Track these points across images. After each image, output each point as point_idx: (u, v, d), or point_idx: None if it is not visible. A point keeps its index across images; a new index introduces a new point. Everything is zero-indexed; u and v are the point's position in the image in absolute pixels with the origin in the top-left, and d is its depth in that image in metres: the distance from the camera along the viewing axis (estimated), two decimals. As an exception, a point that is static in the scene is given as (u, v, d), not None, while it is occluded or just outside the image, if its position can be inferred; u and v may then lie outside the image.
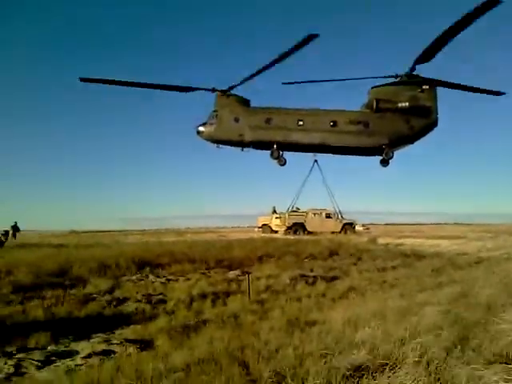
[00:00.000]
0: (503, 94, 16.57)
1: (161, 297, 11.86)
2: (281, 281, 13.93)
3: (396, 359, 4.80)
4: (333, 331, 6.61)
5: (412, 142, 19.05)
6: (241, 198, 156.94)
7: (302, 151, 19.36)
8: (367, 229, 58.86)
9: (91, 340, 8.10)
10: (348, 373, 4.52)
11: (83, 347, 7.67)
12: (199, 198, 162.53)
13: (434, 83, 17.95)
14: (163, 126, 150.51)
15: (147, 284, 13.60)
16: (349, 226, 41.53)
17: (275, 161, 18.56)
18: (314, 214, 40.96)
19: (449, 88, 17.66)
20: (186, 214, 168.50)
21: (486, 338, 5.29)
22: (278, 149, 18.37)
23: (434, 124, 18.65)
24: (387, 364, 4.65)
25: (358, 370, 4.64)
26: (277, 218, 42.02)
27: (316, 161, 20.75)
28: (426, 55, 16.57)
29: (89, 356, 7.16)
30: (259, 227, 45.74)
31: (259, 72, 18.14)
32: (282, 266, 16.51)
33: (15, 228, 36.40)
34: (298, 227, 40.11)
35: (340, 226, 41.03)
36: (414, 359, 4.62)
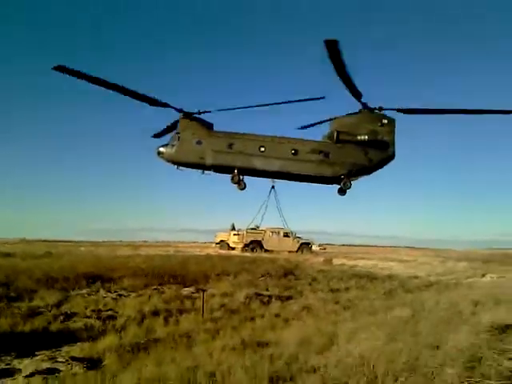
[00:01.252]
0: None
1: (111, 313, 11.49)
2: (236, 299, 13.83)
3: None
4: (285, 354, 6.63)
5: (369, 173, 19.73)
6: (199, 213, 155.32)
7: (263, 177, 19.54)
8: (324, 249, 59.65)
9: (35, 357, 7.71)
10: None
11: (26, 365, 7.29)
12: (159, 211, 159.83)
13: (394, 119, 18.68)
14: (125, 137, 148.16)
15: (98, 299, 13.15)
16: (306, 246, 42.00)
17: (235, 185, 18.63)
18: (272, 233, 41.15)
19: (416, 114, 18.34)
20: (144, 227, 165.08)
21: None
22: (239, 174, 18.47)
23: (392, 157, 19.38)
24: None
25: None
26: (235, 234, 41.91)
27: (273, 187, 20.97)
28: (352, 91, 17.26)
29: (31, 375, 6.82)
30: (217, 243, 45.44)
31: (241, 108, 18.48)
32: (237, 284, 16.42)
33: None
34: (255, 245, 40.14)
35: (297, 245, 41.42)
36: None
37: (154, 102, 18.03)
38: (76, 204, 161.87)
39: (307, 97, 18.35)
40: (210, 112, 18.88)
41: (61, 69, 15.15)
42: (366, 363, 5.56)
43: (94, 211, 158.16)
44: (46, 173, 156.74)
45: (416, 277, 24.05)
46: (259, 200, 24.51)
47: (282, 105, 18.67)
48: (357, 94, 16.94)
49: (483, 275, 25.31)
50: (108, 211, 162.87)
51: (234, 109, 19.05)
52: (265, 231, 40.87)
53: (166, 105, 18.22)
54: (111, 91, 16.99)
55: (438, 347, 6.34)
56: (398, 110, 18.02)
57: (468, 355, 5.80)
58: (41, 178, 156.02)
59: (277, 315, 11.90)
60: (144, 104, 17.74)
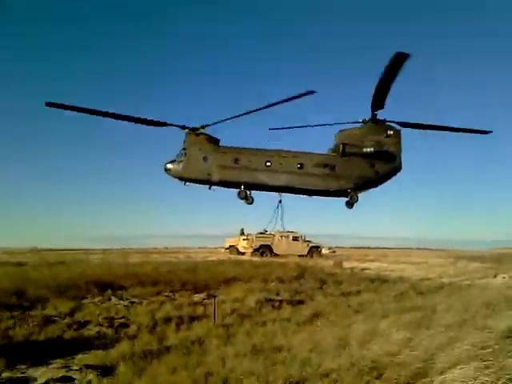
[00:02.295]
0: (490, 132, 17.17)
1: (123, 320, 11.57)
2: (247, 304, 13.86)
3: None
4: (297, 358, 6.64)
5: (376, 186, 19.61)
6: (210, 218, 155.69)
7: (270, 191, 19.53)
8: (333, 252, 59.51)
9: (50, 366, 7.80)
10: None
11: (41, 373, 7.38)
12: (170, 218, 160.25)
13: (399, 129, 18.62)
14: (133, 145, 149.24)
15: (110, 307, 13.24)
16: (315, 250, 41.91)
17: (242, 201, 18.60)
18: (282, 237, 41.07)
19: (422, 129, 18.15)
20: (154, 233, 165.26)
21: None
22: (246, 189, 18.48)
23: (398, 169, 19.21)
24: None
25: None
26: (244, 239, 41.91)
27: (280, 201, 20.94)
28: (377, 102, 17.22)
29: (46, 383, 6.89)
30: (226, 248, 45.48)
31: (238, 116, 18.44)
32: (248, 289, 16.44)
33: None
34: (265, 249, 40.11)
35: (307, 249, 41.33)
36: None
37: (155, 123, 18.18)
38: (84, 212, 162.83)
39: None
40: (209, 126, 18.95)
41: (52, 105, 15.56)
42: (377, 367, 5.56)
43: (102, 219, 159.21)
44: (52, 180, 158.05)
45: (428, 278, 23.89)
46: (267, 204, 24.50)
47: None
48: (378, 106, 16.93)
49: (495, 276, 25.06)
50: (116, 218, 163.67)
51: (228, 119, 19.14)
52: (274, 235, 40.80)
53: (165, 124, 18.33)
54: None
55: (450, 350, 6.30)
56: (400, 124, 17.88)
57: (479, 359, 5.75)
58: (48, 186, 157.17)
59: (288, 320, 11.89)
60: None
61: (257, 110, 18.88)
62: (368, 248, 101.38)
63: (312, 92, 17.66)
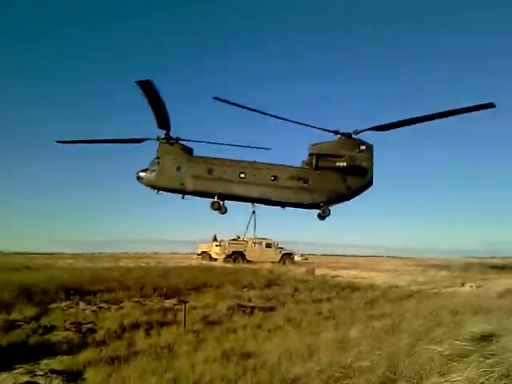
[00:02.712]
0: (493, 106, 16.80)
1: (91, 326, 11.32)
2: (218, 311, 13.79)
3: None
4: (267, 365, 6.65)
5: (348, 200, 19.78)
6: (182, 224, 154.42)
7: (243, 202, 19.44)
8: (306, 259, 59.90)
9: (13, 371, 7.56)
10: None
11: (4, 379, 7.15)
12: (141, 223, 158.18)
13: (372, 145, 18.86)
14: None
15: (77, 312, 12.96)
16: (288, 256, 42.07)
17: (216, 211, 18.45)
18: (254, 244, 41.09)
19: (392, 128, 18.31)
20: (122, 238, 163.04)
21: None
22: (219, 199, 18.32)
23: (370, 183, 19.48)
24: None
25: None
26: (217, 245, 41.77)
27: (254, 212, 20.87)
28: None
29: (9, 389, 6.69)
30: (198, 254, 45.19)
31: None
32: (219, 296, 16.37)
33: None
34: (237, 256, 40.04)
35: (279, 255, 41.46)
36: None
37: (132, 141, 18.15)
38: (51, 215, 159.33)
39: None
40: (188, 140, 18.89)
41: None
42: (346, 374, 5.63)
43: (71, 222, 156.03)
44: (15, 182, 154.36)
45: (397, 286, 24.28)
46: (241, 211, 24.50)
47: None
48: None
49: (462, 284, 25.66)
50: (85, 223, 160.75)
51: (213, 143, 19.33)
52: (247, 242, 40.79)
53: (143, 139, 18.31)
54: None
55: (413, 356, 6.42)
56: (373, 129, 18.02)
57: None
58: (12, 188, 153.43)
59: (259, 326, 11.89)
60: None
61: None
62: (340, 256, 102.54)
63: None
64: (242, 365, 6.98)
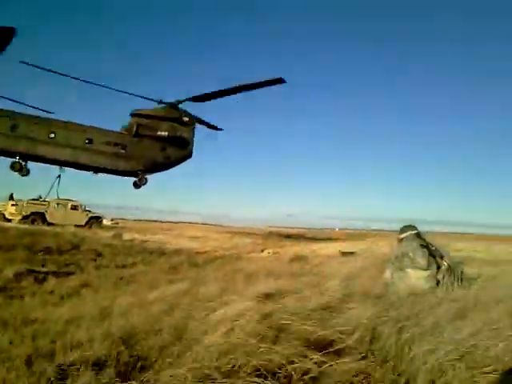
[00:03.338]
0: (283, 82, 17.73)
1: None
2: (3, 276, 12.41)
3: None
4: (50, 331, 6.24)
5: (166, 170, 19.64)
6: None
7: (51, 164, 17.54)
8: (116, 223, 58.26)
9: None
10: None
11: None
12: None
13: (196, 120, 18.95)
14: None
15: None
16: (95, 220, 40.11)
17: (16, 173, 16.31)
18: (58, 205, 37.92)
19: (211, 99, 18.56)
20: None
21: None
22: (22, 160, 16.19)
23: (189, 155, 19.66)
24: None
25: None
26: (13, 205, 37.34)
27: (59, 176, 18.94)
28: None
29: None
30: (-9, 214, 39.81)
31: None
32: (8, 260, 14.72)
33: None
34: (36, 217, 36.49)
35: (86, 219, 39.23)
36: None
37: None
38: None
39: None
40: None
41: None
42: (132, 336, 5.64)
43: None
44: None
45: (203, 252, 25.44)
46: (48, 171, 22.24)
47: None
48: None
49: (262, 251, 28.25)
50: None
51: None
52: (49, 203, 37.37)
53: None
54: None
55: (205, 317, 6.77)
56: (194, 99, 18.14)
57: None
58: None
59: (51, 292, 11.11)
60: None
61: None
62: (155, 221, 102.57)
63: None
64: (21, 333, 6.41)
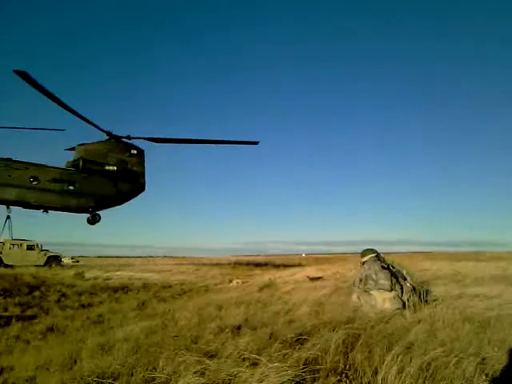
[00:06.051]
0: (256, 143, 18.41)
1: None
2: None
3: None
4: (21, 379, 6.12)
5: (119, 204, 19.24)
6: None
7: None
8: (77, 261, 56.57)
9: None
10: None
11: None
12: None
13: (143, 149, 18.87)
14: None
15: None
16: (54, 259, 38.80)
17: None
18: (13, 245, 36.53)
19: (166, 143, 18.54)
20: None
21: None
22: None
23: (142, 189, 19.34)
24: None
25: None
26: (-36, 248, 35.67)
27: (9, 217, 18.08)
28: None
29: None
30: None
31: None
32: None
33: None
34: (-9, 260, 34.98)
35: (44, 258, 37.88)
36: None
37: None
38: None
39: None
40: None
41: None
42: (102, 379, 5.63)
43: None
44: None
45: (171, 286, 25.03)
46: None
47: None
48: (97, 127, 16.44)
49: (230, 281, 28.03)
50: None
51: None
52: (3, 244, 35.92)
53: None
54: None
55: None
56: (148, 139, 17.97)
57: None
58: None
59: (17, 337, 10.75)
60: None
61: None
62: (114, 257, 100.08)
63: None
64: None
